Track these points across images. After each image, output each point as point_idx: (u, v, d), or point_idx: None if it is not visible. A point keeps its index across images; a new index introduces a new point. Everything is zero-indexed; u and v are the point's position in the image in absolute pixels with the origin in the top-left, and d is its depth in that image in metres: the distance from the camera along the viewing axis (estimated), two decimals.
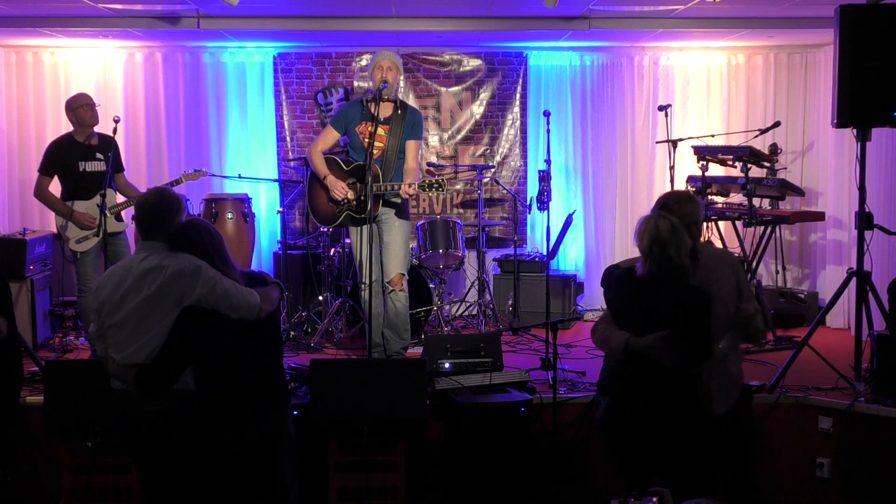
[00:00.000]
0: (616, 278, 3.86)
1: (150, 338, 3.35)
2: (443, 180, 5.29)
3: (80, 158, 5.65)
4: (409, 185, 5.21)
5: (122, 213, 5.75)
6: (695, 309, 3.59)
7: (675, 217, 3.66)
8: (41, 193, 5.73)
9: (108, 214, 5.50)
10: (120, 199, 5.91)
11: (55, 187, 5.78)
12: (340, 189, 5.40)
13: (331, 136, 5.61)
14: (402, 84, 5.66)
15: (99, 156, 5.72)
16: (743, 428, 3.92)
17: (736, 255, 4.11)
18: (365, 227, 5.35)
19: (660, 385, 3.62)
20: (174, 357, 3.35)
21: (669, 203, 3.82)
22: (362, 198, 5.27)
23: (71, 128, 5.81)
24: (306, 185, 5.78)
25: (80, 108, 5.71)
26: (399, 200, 5.46)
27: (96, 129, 5.80)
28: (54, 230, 6.92)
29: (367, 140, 5.28)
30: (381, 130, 5.40)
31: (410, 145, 5.46)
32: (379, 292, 5.51)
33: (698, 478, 3.64)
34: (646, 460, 3.77)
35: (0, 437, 4.23)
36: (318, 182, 5.52)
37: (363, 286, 5.38)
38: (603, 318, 3.89)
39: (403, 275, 5.48)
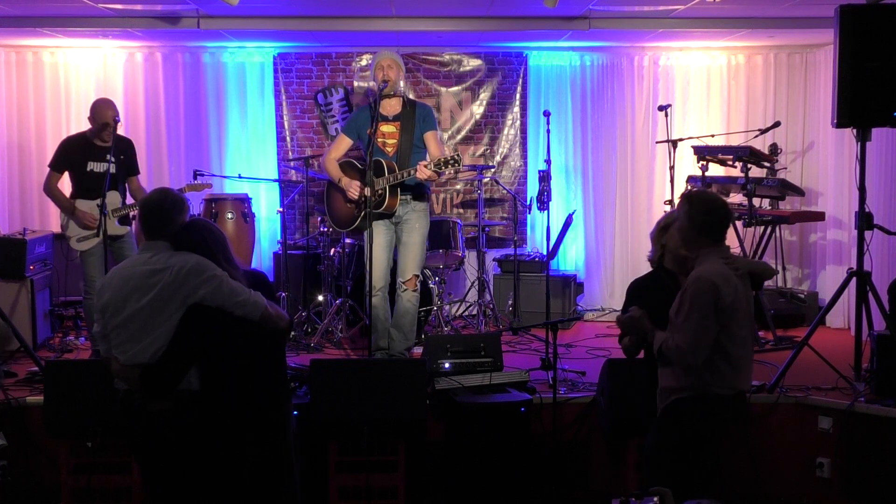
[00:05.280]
0: None
1: (155, 338, 3.34)
2: (457, 155, 5.19)
3: (89, 158, 5.64)
4: (425, 165, 5.14)
5: (132, 218, 5.66)
6: None
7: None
8: (49, 189, 5.70)
9: (109, 216, 5.45)
10: (129, 201, 5.86)
11: (65, 185, 5.75)
12: (355, 188, 5.40)
13: (343, 144, 5.63)
14: (402, 84, 5.65)
15: (110, 158, 5.70)
16: None
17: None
18: (381, 226, 5.35)
19: None
20: (180, 356, 3.34)
21: None
22: (379, 191, 5.26)
23: (89, 126, 5.74)
24: (324, 192, 5.86)
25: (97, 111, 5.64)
26: (415, 184, 5.34)
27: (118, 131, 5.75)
28: (54, 230, 6.96)
29: (379, 140, 5.32)
30: (391, 128, 5.42)
31: (429, 137, 5.45)
32: (387, 296, 5.51)
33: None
34: None
35: None
36: (335, 187, 5.56)
37: (375, 291, 5.33)
38: None
39: (418, 276, 5.47)
